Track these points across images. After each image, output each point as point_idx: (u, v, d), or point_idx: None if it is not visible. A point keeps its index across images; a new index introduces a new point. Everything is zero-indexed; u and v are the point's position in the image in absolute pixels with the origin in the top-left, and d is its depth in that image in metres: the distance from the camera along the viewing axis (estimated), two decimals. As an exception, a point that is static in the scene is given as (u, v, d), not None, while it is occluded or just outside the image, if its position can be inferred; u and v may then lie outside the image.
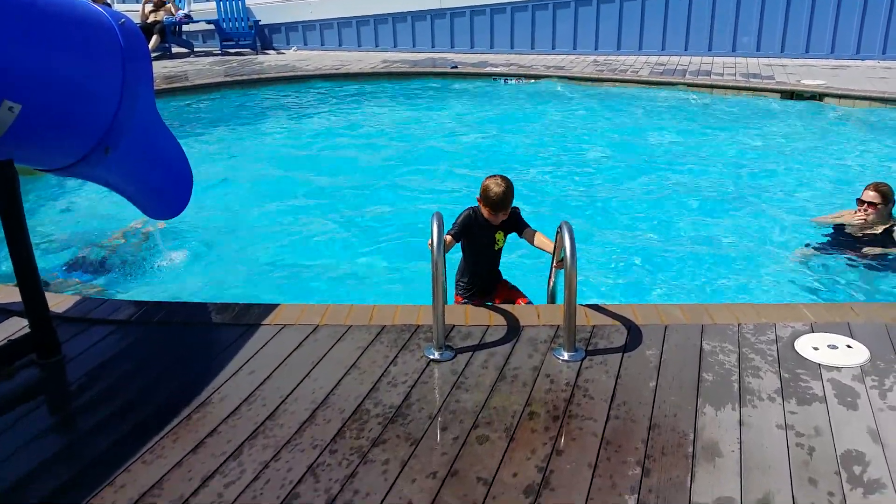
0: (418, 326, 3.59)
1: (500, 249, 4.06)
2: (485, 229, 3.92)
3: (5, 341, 3.51)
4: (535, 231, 3.99)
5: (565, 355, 3.32)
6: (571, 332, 3.31)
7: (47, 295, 3.45)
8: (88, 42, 3.48)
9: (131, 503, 2.47)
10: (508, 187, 3.79)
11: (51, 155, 3.72)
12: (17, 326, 3.63)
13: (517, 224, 3.99)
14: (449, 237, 3.74)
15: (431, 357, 3.32)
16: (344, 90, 11.83)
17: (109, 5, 14.24)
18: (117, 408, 3.04)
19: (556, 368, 3.24)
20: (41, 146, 3.53)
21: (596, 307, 3.77)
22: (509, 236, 4.06)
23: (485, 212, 3.84)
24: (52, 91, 3.31)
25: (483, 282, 4.13)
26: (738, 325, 3.57)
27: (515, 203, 3.93)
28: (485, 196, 3.79)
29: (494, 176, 3.85)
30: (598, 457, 2.65)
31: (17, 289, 3.36)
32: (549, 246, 3.86)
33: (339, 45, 15.41)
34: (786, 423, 2.82)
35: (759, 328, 3.54)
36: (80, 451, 2.78)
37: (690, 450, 2.68)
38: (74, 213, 6.82)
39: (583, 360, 3.30)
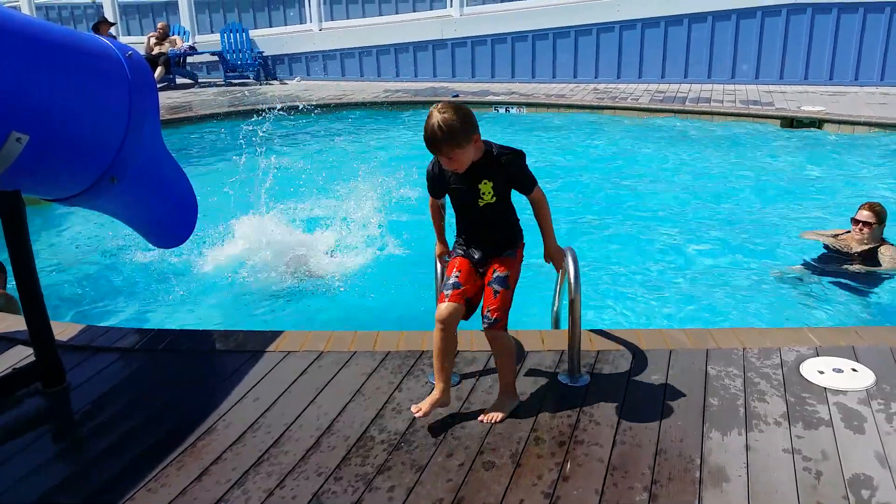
0: (423, 352, 3.59)
1: (492, 205, 3.02)
2: (461, 180, 3.01)
3: (10, 370, 3.51)
4: (542, 199, 3.09)
5: (570, 380, 3.31)
6: (576, 357, 3.31)
7: (52, 323, 3.46)
8: (96, 74, 3.53)
9: (136, 532, 2.46)
10: (446, 119, 2.78)
11: (57, 185, 3.75)
12: (23, 355, 3.64)
13: (510, 174, 2.99)
14: (431, 199, 3.22)
15: (433, 381, 3.31)
16: (346, 119, 11.92)
17: (115, 38, 14.44)
18: (122, 436, 3.04)
19: (561, 394, 3.23)
20: (48, 176, 3.56)
21: (600, 332, 3.77)
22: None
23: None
24: (59, 122, 3.35)
25: (474, 244, 3.13)
26: (743, 349, 3.57)
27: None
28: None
29: (438, 103, 2.90)
30: (604, 482, 2.64)
31: (22, 317, 3.37)
32: (544, 225, 3.14)
33: (342, 75, 15.58)
34: (792, 448, 2.81)
35: (763, 352, 3.54)
36: (84, 480, 2.78)
37: (697, 475, 2.66)
38: (79, 242, 6.85)
39: (588, 385, 3.29)
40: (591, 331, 3.77)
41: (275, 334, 3.81)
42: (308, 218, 7.01)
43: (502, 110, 11.95)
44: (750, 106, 10.79)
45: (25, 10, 17.00)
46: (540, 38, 13.93)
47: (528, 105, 11.93)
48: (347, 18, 15.80)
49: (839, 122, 9.75)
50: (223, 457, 2.85)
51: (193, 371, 3.56)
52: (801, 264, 5.62)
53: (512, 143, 3.10)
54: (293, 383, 3.37)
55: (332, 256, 6.24)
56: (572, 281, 3.16)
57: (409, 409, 3.11)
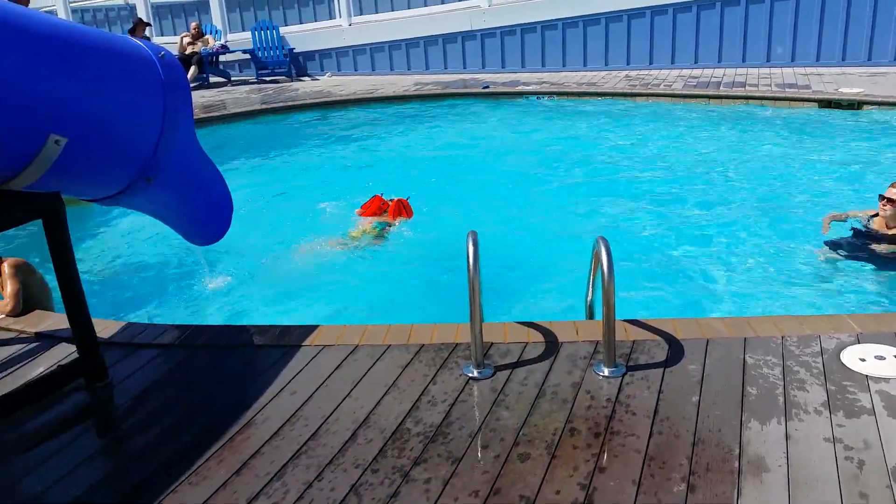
0: (456, 345, 3.60)
1: None
2: None
3: (55, 367, 3.60)
4: None
5: (605, 371, 3.30)
6: (611, 347, 3.29)
7: (94, 321, 3.54)
8: (130, 75, 3.59)
9: (179, 524, 2.51)
10: None
11: (95, 186, 3.83)
12: (66, 352, 3.73)
13: None
14: None
15: (470, 375, 3.33)
16: (377, 113, 11.97)
17: (149, 38, 14.65)
18: (163, 430, 3.10)
19: (596, 384, 3.22)
20: (86, 177, 3.63)
21: (635, 322, 3.74)
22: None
23: None
24: (95, 124, 3.42)
25: None
26: (782, 337, 3.51)
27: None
28: None
29: None
30: (641, 473, 2.62)
31: (65, 316, 3.45)
32: None
33: (372, 69, 15.62)
34: (833, 437, 2.76)
35: (803, 340, 3.48)
36: (127, 474, 2.84)
37: (736, 465, 2.64)
38: (118, 241, 6.99)
39: (623, 375, 3.27)
40: (625, 321, 3.74)
41: (310, 329, 3.85)
42: (339, 213, 7.05)
43: (533, 99, 11.88)
44: (786, 89, 10.58)
45: (61, 14, 17.34)
46: (570, 27, 13.80)
47: (559, 94, 11.84)
48: (376, 13, 15.83)
49: (878, 104, 9.51)
50: (262, 450, 2.89)
51: (231, 366, 3.61)
52: (830, 247, 5.51)
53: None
54: (329, 377, 3.41)
55: (364, 250, 6.28)
56: (605, 270, 3.14)
57: (444, 401, 3.13)
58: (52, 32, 3.24)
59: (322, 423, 3.05)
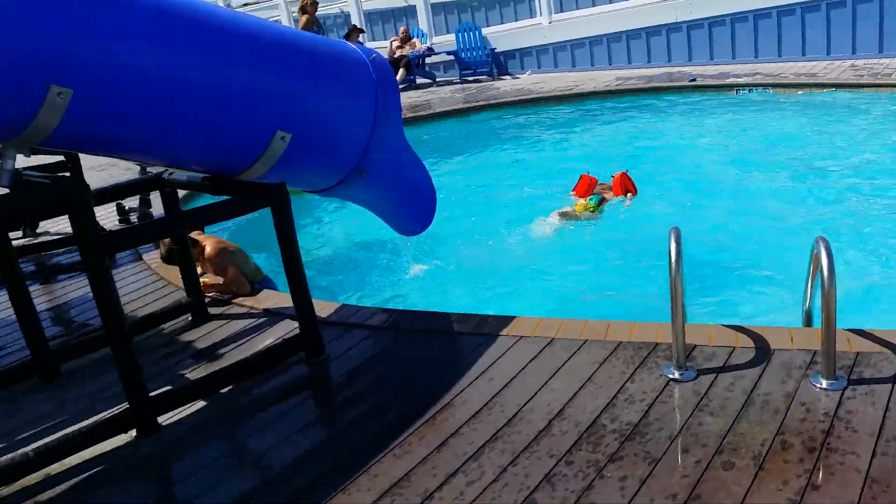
0: (657, 344, 3.51)
1: None
2: None
3: (280, 341, 3.99)
4: None
5: (823, 383, 3.05)
6: (831, 358, 3.04)
7: (313, 301, 3.85)
8: (346, 76, 3.87)
9: (382, 492, 2.68)
10: None
11: (314, 178, 4.17)
12: (290, 328, 4.11)
13: None
14: None
15: (671, 376, 3.23)
16: (578, 109, 11.88)
17: (363, 44, 15.61)
18: (371, 405, 3.32)
19: (812, 397, 2.99)
20: (306, 171, 3.97)
21: (860, 332, 3.43)
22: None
23: None
24: (316, 121, 3.72)
25: None
26: None
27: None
28: None
29: None
30: (861, 495, 2.41)
31: (289, 296, 3.79)
32: None
33: (573, 65, 15.51)
34: None
35: None
36: (339, 443, 3.09)
37: (980, 497, 2.34)
38: (333, 230, 7.56)
39: (844, 389, 3.01)
40: (849, 330, 3.43)
41: (508, 319, 3.93)
42: (541, 207, 7.08)
43: (745, 91, 11.19)
44: None
45: (285, 22, 18.93)
46: (786, 14, 12.82)
47: (774, 85, 11.04)
48: (577, 9, 15.69)
49: None
50: (460, 431, 3.01)
51: (434, 349, 3.78)
52: None
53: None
54: (525, 367, 3.46)
55: (564, 240, 6.29)
56: (826, 274, 2.91)
57: (643, 400, 3.07)
58: (279, 39, 3.58)
59: (518, 412, 3.11)
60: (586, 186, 6.92)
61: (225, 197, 3.64)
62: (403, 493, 2.66)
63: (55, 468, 3.06)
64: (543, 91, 13.05)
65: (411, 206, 4.60)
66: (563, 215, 6.66)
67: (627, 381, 3.25)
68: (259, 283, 4.98)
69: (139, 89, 2.99)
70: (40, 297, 5.07)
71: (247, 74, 3.37)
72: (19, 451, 3.02)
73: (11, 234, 4.03)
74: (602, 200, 6.78)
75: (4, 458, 3.01)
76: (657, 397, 3.09)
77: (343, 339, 3.97)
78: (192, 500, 2.86)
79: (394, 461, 2.86)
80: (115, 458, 3.14)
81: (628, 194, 6.87)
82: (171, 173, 4.05)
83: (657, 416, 2.97)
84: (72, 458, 3.10)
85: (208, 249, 4.83)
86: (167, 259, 5.06)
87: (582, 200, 6.78)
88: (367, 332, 4.01)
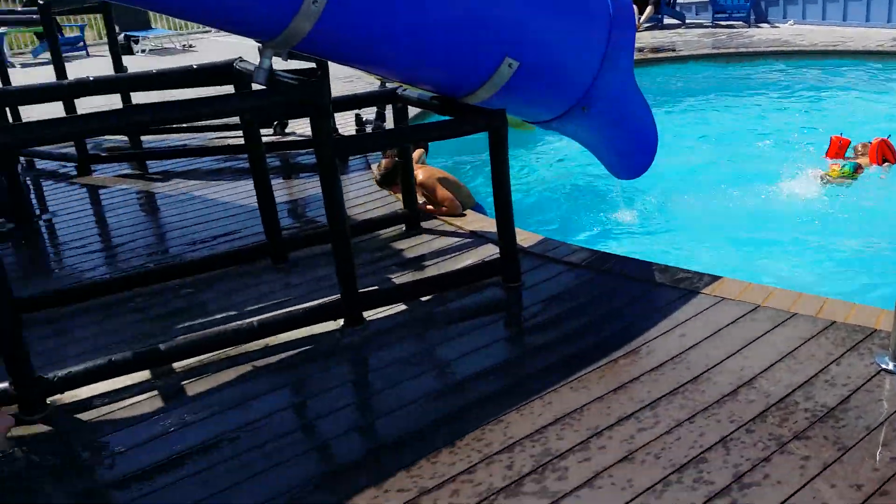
0: (874, 331, 3.21)
1: None
2: None
3: (480, 262, 4.16)
4: None
5: None
6: None
7: (517, 230, 3.95)
8: (583, 9, 3.81)
9: (554, 419, 2.77)
10: None
11: (535, 109, 4.20)
12: (490, 252, 4.26)
13: None
14: None
15: (884, 366, 2.95)
16: (840, 68, 10.70)
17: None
18: (558, 336, 3.40)
19: None
20: (529, 101, 4.00)
21: None
22: None
23: None
24: (545, 52, 3.72)
25: None
26: None
27: None
28: None
29: None
30: None
31: (494, 221, 3.92)
32: None
33: (843, 19, 13.89)
34: None
35: None
36: (521, 364, 3.20)
37: None
38: (547, 165, 7.60)
39: None
40: None
41: (712, 278, 3.78)
42: (786, 168, 6.56)
43: None
44: None
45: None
46: None
47: None
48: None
49: None
50: (640, 378, 2.99)
51: (628, 295, 3.75)
52: None
53: None
54: (722, 329, 3.33)
55: (780, 208, 5.85)
56: None
57: (845, 385, 2.85)
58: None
59: (704, 371, 3.02)
60: (836, 149, 6.34)
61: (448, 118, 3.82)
62: (574, 424, 2.73)
63: (272, 340, 3.48)
64: (803, 44, 11.90)
65: (631, 149, 4.50)
66: (813, 178, 6.16)
67: (833, 363, 3.02)
68: (471, 208, 5.18)
69: (385, 4, 3.19)
70: (280, 191, 5.66)
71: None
72: (246, 321, 3.48)
73: (262, 131, 4.51)
74: (857, 168, 6.17)
75: (234, 324, 3.48)
76: (862, 385, 2.86)
77: (540, 270, 4.05)
78: (382, 388, 3.14)
79: (570, 392, 2.92)
80: (322, 340, 3.50)
81: (885, 164, 6.18)
82: (404, 89, 4.28)
83: (857, 404, 2.75)
84: (287, 334, 3.51)
85: (421, 176, 5.08)
86: (382, 182, 5.37)
87: (836, 165, 6.22)
88: (565, 268, 4.05)
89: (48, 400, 3.06)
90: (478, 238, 4.56)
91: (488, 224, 4.69)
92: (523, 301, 3.80)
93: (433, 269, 4.20)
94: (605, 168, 4.74)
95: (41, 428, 2.95)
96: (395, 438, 2.76)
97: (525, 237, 4.38)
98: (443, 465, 2.56)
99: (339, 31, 3.23)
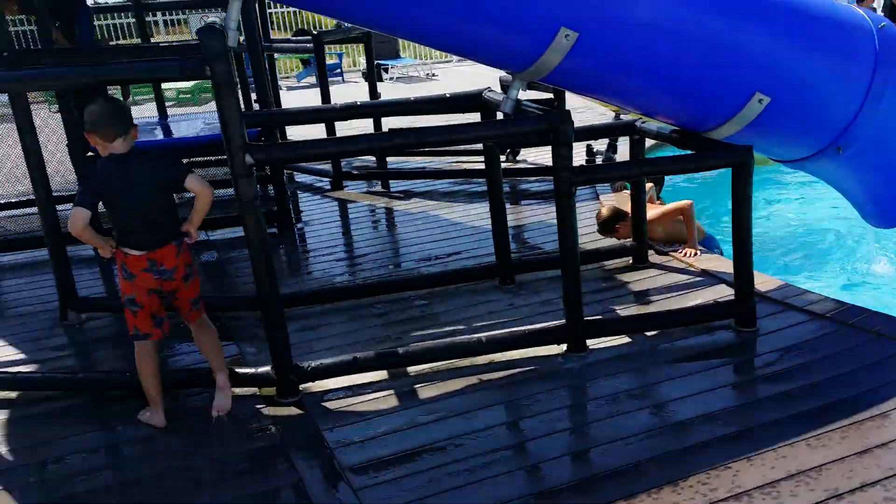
0: None
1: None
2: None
3: (712, 302, 4.03)
4: None
5: None
6: None
7: (755, 273, 3.78)
8: (843, 45, 3.58)
9: (788, 474, 2.61)
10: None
11: (784, 147, 4.00)
12: (723, 293, 4.11)
13: None
14: None
15: None
16: None
17: (875, 10, 13.79)
18: (795, 388, 3.20)
19: None
20: (778, 138, 3.83)
21: None
22: None
23: None
24: (799, 88, 3.54)
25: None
26: None
27: None
28: None
29: None
30: None
31: (731, 262, 3.78)
32: None
33: None
34: None
35: None
36: (749, 413, 3.06)
37: None
38: (793, 203, 7.14)
39: None
40: None
41: None
42: None
43: None
44: None
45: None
46: None
47: None
48: None
49: None
50: (890, 445, 2.73)
51: (879, 354, 3.42)
52: None
53: None
54: None
55: None
56: None
57: None
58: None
59: (971, 447, 2.70)
60: None
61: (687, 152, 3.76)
62: (810, 483, 2.56)
63: (497, 356, 3.63)
64: None
65: (889, 195, 4.12)
66: None
67: None
68: (702, 241, 5.03)
69: (637, 38, 3.25)
70: (508, 216, 5.86)
71: (738, 30, 3.37)
72: (475, 336, 3.67)
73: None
74: None
75: (464, 338, 3.69)
76: None
77: (778, 317, 3.83)
78: (600, 417, 3.15)
79: (807, 449, 2.75)
80: (544, 363, 3.59)
81: None
82: (643, 121, 4.28)
83: None
84: (511, 352, 3.64)
85: (654, 213, 4.97)
86: (601, 230, 5.14)
87: None
88: (806, 318, 3.80)
89: (301, 387, 3.43)
90: (709, 277, 4.41)
91: (721, 264, 4.53)
92: (757, 348, 3.62)
93: (659, 305, 4.14)
94: (858, 212, 4.39)
95: (293, 410, 3.32)
96: (611, 468, 2.76)
97: (762, 280, 4.17)
98: (664, 503, 2.53)
99: (588, 64, 3.34)
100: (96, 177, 3.03)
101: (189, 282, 3.19)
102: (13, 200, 6.34)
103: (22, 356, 4.02)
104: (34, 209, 6.08)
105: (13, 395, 3.55)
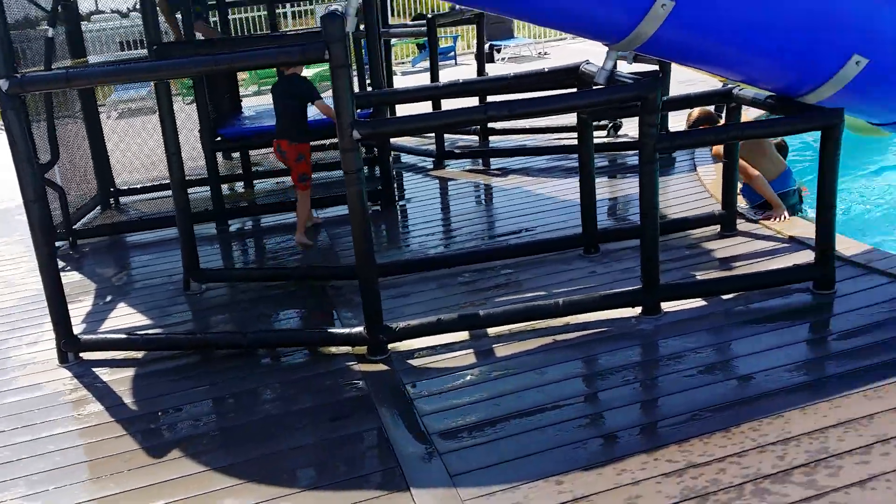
0: None
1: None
2: None
3: (791, 265, 4.04)
4: None
5: None
6: None
7: (839, 237, 3.76)
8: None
9: (839, 422, 2.68)
10: None
11: (881, 109, 3.92)
12: (806, 258, 4.10)
13: None
14: None
15: None
16: None
17: None
18: (862, 346, 3.23)
19: None
20: (873, 100, 3.76)
21: None
22: None
23: None
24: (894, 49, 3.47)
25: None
26: None
27: None
28: None
29: None
30: None
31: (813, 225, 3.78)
32: None
33: None
34: None
35: None
36: (813, 368, 3.13)
37: None
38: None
39: None
40: None
41: None
42: None
43: None
44: None
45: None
46: None
47: None
48: None
49: None
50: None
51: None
52: None
53: None
54: None
55: None
56: None
57: None
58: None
59: None
60: None
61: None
62: (859, 429, 2.63)
63: (573, 319, 3.82)
64: None
65: None
66: None
67: None
68: (781, 174, 5.08)
69: (732, 3, 3.30)
70: (603, 188, 5.97)
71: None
72: (552, 300, 3.87)
73: (596, 134, 4.84)
74: None
75: (541, 301, 3.89)
76: None
77: (859, 280, 3.81)
78: (667, 372, 3.29)
79: (862, 399, 2.81)
80: (617, 324, 3.75)
81: None
82: (740, 89, 4.28)
83: None
84: (587, 315, 3.82)
85: (747, 166, 4.95)
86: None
87: None
88: (887, 280, 3.75)
89: (389, 346, 3.77)
90: (796, 244, 4.39)
91: (810, 229, 4.47)
92: (833, 309, 3.63)
93: (739, 271, 4.18)
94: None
95: (381, 367, 3.66)
96: (671, 416, 2.92)
97: (848, 245, 4.12)
98: (714, 446, 2.67)
99: (685, 33, 3.42)
100: None
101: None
102: (147, 185, 7.13)
103: (148, 322, 4.57)
104: (162, 193, 6.87)
105: (139, 354, 4.07)
